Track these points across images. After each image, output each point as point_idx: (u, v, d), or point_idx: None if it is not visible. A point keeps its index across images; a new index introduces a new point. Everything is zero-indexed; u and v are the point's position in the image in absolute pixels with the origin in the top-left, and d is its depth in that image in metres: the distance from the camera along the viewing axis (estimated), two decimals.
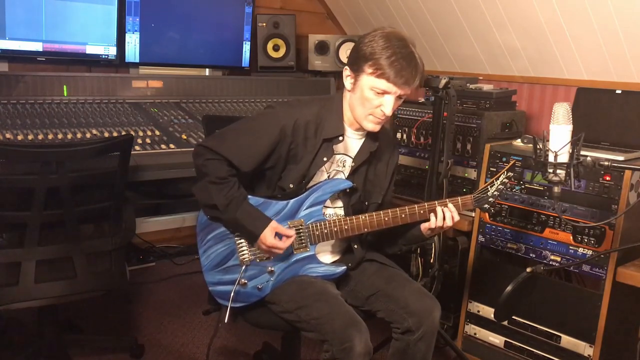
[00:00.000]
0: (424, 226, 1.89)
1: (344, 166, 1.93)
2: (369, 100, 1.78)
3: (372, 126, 1.84)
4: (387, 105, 1.77)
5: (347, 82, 1.84)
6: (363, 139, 1.93)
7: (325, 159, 1.87)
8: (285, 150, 1.85)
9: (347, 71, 1.83)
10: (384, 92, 1.76)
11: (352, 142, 1.93)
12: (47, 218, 1.99)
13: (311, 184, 1.89)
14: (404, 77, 1.73)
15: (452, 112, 2.39)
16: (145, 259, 3.47)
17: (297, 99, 1.95)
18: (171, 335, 2.74)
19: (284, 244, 1.80)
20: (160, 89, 3.06)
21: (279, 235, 1.81)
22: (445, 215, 1.85)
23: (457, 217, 1.86)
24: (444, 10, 3.16)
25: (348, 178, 1.93)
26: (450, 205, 1.86)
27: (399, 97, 1.78)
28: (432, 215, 1.86)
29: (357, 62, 1.78)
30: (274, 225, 1.81)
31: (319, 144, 1.86)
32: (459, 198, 1.88)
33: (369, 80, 1.76)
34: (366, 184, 1.97)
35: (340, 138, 1.88)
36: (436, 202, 1.87)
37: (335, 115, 1.88)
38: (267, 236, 1.78)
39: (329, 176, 1.92)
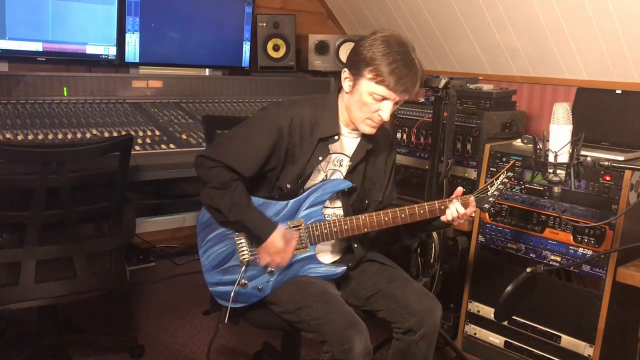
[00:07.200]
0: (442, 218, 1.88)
1: (341, 165, 1.93)
2: (367, 104, 1.78)
3: (369, 129, 1.84)
4: (385, 111, 1.78)
5: (346, 84, 1.83)
6: (359, 138, 1.93)
7: (320, 158, 1.87)
8: (283, 150, 1.85)
9: (345, 73, 1.83)
10: (383, 98, 1.76)
11: (349, 141, 1.93)
12: (47, 218, 1.99)
13: (308, 183, 1.89)
14: (404, 85, 1.74)
15: (452, 112, 2.39)
16: (145, 259, 3.47)
17: (290, 99, 1.95)
18: (171, 335, 2.74)
19: (289, 249, 1.81)
20: (160, 89, 3.06)
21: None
22: (451, 212, 1.84)
23: (462, 210, 1.84)
24: (444, 10, 3.15)
25: (346, 177, 1.93)
26: (453, 201, 1.85)
27: (397, 102, 1.79)
28: (446, 211, 1.85)
29: (356, 66, 1.78)
30: (282, 229, 1.81)
31: (314, 143, 1.86)
32: (459, 197, 1.88)
33: (368, 86, 1.76)
34: (365, 182, 1.97)
35: (336, 137, 1.88)
36: (436, 202, 1.87)
37: (330, 114, 1.88)
38: (277, 240, 1.79)
39: (326, 175, 1.91)
